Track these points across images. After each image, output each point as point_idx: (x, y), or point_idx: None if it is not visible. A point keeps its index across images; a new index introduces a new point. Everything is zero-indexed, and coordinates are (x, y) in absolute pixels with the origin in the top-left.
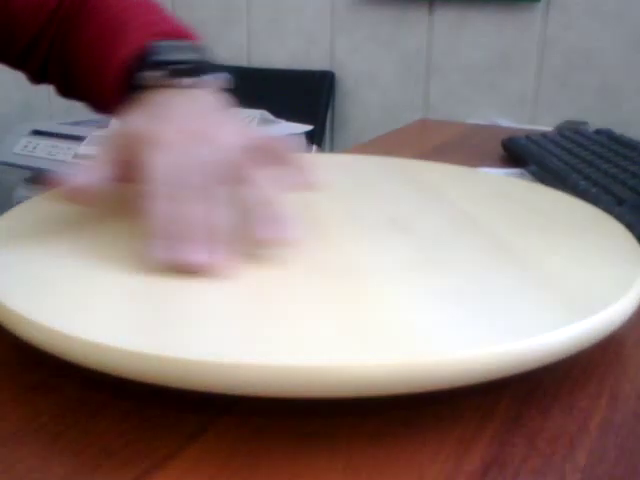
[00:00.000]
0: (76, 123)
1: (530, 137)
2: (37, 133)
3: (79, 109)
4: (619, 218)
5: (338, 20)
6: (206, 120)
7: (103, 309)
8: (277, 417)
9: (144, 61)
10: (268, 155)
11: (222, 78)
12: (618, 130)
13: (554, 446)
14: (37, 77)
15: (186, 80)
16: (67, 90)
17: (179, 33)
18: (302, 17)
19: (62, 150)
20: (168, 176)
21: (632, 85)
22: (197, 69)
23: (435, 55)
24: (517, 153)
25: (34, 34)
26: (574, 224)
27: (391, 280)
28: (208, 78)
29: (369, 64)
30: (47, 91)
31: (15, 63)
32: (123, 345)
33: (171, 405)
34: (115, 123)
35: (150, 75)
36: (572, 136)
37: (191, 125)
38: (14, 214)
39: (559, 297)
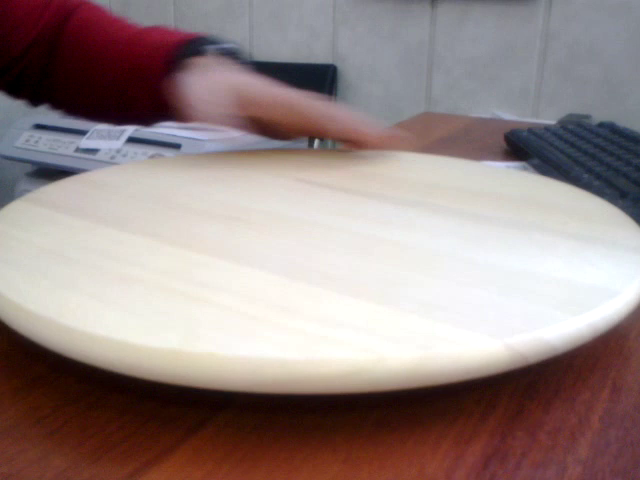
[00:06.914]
0: None
1: (533, 130)
2: (39, 127)
3: None
4: (622, 211)
5: (340, 13)
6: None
7: (105, 303)
8: (276, 411)
9: (190, 46)
10: None
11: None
12: (621, 123)
13: (556, 439)
14: (13, 91)
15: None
16: (67, 100)
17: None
18: (304, 10)
19: (64, 144)
20: None
21: (635, 78)
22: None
23: (437, 48)
24: (519, 146)
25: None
26: (578, 215)
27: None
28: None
29: (371, 57)
30: None
31: None
32: (118, 338)
33: (170, 399)
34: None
35: (210, 49)
36: (575, 129)
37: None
38: (12, 208)
39: (561, 289)
